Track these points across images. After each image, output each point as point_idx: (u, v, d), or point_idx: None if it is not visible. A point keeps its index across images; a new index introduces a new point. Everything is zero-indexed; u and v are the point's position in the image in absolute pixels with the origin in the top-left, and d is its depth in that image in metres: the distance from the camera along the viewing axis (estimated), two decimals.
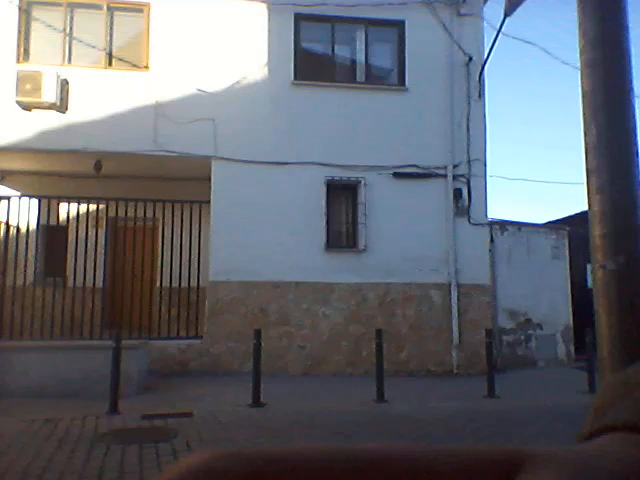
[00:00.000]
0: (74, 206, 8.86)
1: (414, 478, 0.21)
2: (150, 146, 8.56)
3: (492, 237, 9.64)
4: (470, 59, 9.43)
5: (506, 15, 8.22)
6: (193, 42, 8.91)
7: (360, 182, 9.01)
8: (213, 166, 8.76)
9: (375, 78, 9.71)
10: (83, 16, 8.91)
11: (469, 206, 9.21)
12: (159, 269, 8.74)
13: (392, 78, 9.64)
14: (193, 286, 8.61)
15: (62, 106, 8.47)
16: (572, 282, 10.41)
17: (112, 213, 8.56)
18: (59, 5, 8.81)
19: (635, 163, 2.00)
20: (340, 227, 9.23)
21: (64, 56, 8.73)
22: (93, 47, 8.75)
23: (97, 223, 8.81)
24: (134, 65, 8.87)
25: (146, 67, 8.83)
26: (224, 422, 5.37)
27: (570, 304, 10.27)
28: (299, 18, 9.18)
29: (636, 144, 2.02)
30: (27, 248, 8.13)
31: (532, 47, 26.48)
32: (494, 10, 9.44)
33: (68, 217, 8.51)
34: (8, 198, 8.37)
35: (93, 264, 8.60)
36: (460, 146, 9.29)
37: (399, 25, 9.43)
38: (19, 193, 9.04)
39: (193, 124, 8.66)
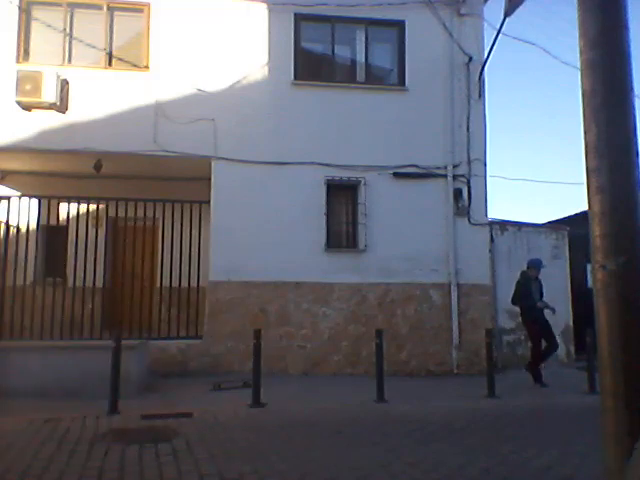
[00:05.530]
0: (74, 206, 8.86)
1: None
2: (150, 146, 8.57)
3: (492, 237, 9.64)
4: (470, 59, 9.44)
5: (506, 15, 8.22)
6: (193, 42, 8.91)
7: (360, 182, 9.02)
8: (213, 166, 8.77)
9: (375, 78, 9.71)
10: (83, 16, 8.91)
11: (469, 206, 9.22)
12: (159, 269, 8.73)
13: (392, 78, 9.63)
14: (193, 286, 8.61)
15: (62, 106, 8.48)
16: (572, 282, 10.40)
17: (112, 213, 8.55)
18: (59, 5, 8.82)
19: (635, 163, 2.00)
20: (340, 227, 9.23)
21: (64, 56, 8.74)
22: (93, 47, 8.75)
23: (97, 223, 8.81)
24: (134, 65, 8.87)
25: (146, 67, 8.84)
26: (224, 422, 5.37)
27: (570, 304, 10.26)
28: (299, 18, 9.18)
29: (636, 144, 2.02)
30: (27, 248, 8.12)
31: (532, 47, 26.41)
32: (494, 10, 9.44)
33: (68, 217, 8.51)
34: (8, 198, 8.36)
35: (93, 264, 8.60)
36: (460, 146, 9.29)
37: (399, 25, 9.43)
38: (19, 193, 9.04)
39: (193, 124, 8.67)
